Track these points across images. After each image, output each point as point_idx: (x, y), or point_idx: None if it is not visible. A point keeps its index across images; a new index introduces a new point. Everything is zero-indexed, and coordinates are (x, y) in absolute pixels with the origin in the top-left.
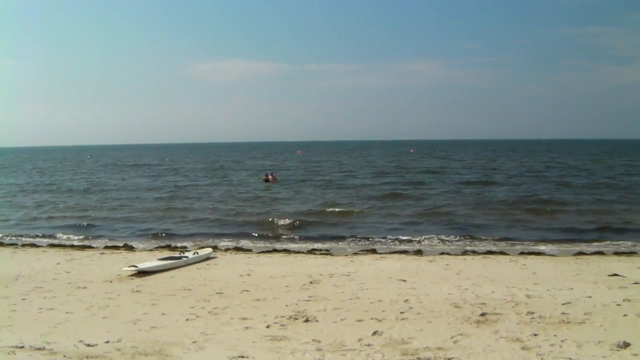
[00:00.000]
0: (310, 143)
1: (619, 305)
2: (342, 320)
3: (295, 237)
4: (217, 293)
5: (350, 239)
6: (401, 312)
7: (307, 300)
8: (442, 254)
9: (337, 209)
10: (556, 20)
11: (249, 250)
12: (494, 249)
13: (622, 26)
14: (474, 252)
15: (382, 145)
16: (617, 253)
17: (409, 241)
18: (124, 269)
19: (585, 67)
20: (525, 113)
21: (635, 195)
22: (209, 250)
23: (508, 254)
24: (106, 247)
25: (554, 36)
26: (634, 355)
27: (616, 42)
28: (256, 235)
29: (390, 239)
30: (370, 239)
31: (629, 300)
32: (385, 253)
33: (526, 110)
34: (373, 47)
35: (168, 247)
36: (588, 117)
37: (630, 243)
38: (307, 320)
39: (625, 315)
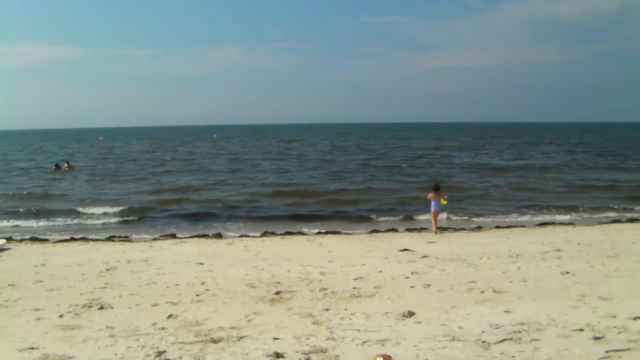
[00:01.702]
0: (114, 129)
1: (407, 277)
2: (137, 305)
3: (93, 224)
4: (8, 285)
5: (151, 225)
6: (197, 295)
7: (102, 288)
8: (241, 236)
9: (136, 197)
10: (357, 8)
11: (45, 240)
12: (292, 230)
13: (419, 16)
14: (273, 234)
15: (183, 131)
16: (408, 230)
17: (209, 225)
18: None
19: (386, 54)
20: (326, 98)
21: (426, 178)
22: (2, 241)
23: (305, 234)
24: None
25: (355, 24)
26: (417, 323)
27: (414, 31)
28: (53, 224)
29: (189, 223)
30: (171, 225)
31: (416, 273)
32: (185, 237)
33: (328, 95)
34: (175, 32)
35: None
36: (392, 102)
37: (420, 219)
38: (101, 308)
39: (412, 287)
